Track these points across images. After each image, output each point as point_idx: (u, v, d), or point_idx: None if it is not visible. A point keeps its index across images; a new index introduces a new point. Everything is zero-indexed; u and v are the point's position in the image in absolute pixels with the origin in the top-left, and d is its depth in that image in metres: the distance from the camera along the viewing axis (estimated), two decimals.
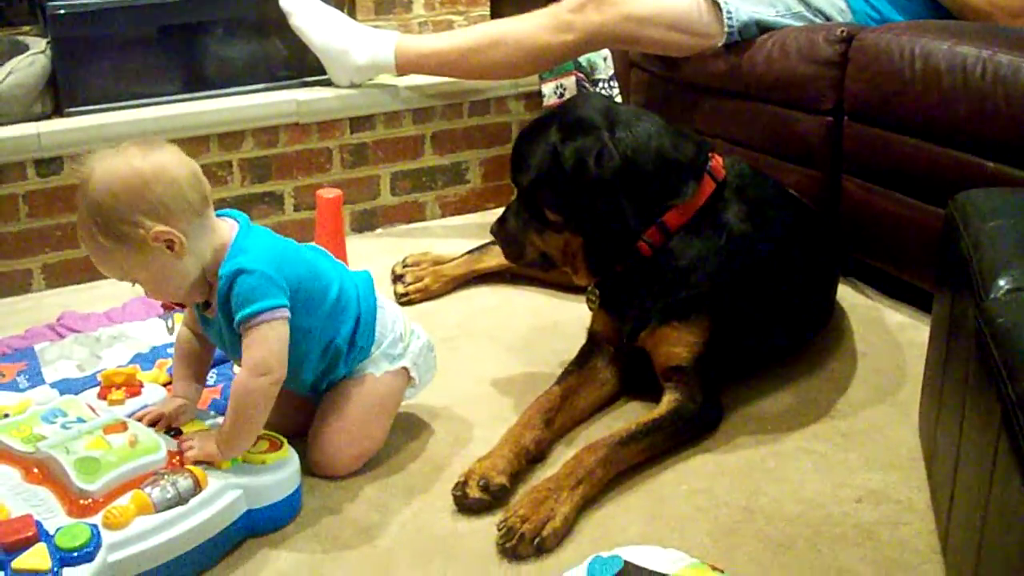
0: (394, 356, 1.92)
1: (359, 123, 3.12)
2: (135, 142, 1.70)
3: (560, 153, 1.99)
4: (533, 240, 2.12)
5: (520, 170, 2.09)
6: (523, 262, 2.20)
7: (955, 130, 2.21)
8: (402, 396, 1.97)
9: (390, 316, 1.95)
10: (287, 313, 1.72)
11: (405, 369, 1.94)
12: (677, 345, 1.99)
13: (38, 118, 2.84)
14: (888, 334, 2.37)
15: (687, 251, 2.01)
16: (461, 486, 1.78)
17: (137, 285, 1.75)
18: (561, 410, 1.99)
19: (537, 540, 1.65)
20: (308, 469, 1.85)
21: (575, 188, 1.98)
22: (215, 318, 1.78)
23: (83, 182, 1.66)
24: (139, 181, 1.64)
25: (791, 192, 2.29)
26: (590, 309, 2.15)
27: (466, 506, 1.77)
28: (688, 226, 2.01)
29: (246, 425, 1.71)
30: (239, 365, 1.76)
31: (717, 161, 2.08)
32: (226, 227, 1.76)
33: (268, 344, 1.70)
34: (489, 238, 2.31)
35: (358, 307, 1.88)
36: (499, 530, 1.68)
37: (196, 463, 1.69)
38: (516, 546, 1.64)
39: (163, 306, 1.93)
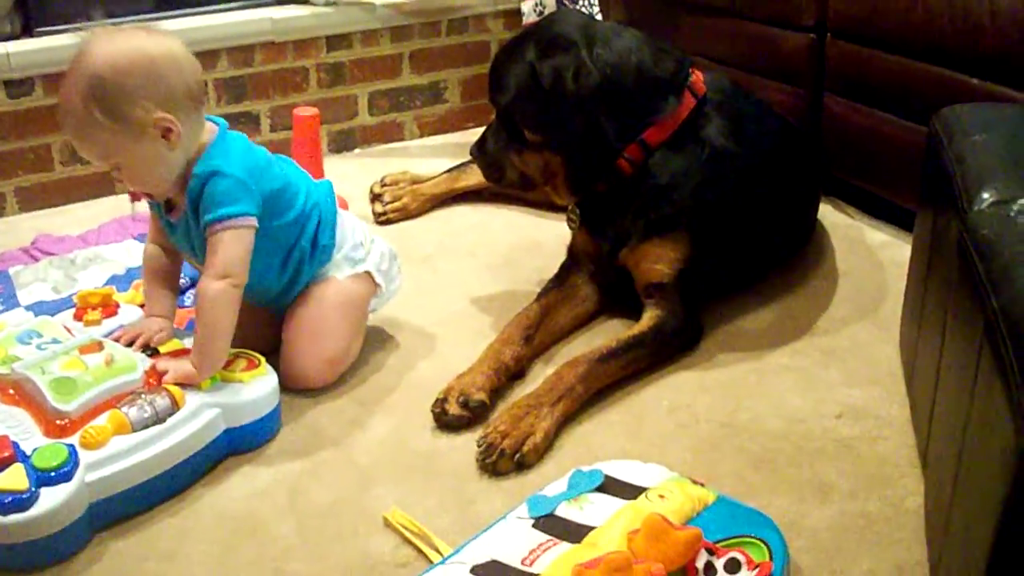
0: (356, 260, 1.92)
1: (336, 42, 3.07)
2: (140, 26, 1.67)
3: (538, 71, 1.96)
4: (513, 161, 2.09)
5: (498, 90, 2.06)
6: (504, 183, 2.17)
7: (939, 47, 2.18)
8: (368, 302, 1.96)
9: (349, 223, 1.95)
10: (254, 222, 1.71)
11: (368, 274, 1.93)
12: (658, 262, 1.98)
13: (7, 38, 2.78)
14: (869, 252, 2.36)
15: (668, 168, 1.98)
16: (440, 403, 1.78)
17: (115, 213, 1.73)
18: (541, 327, 1.98)
19: (517, 456, 1.65)
20: (286, 386, 1.84)
21: (554, 106, 1.95)
22: (180, 220, 1.76)
23: (83, 54, 1.62)
24: (149, 63, 1.62)
25: (772, 108, 2.26)
26: (571, 228, 2.14)
27: (445, 423, 1.76)
28: (669, 143, 1.99)
29: (214, 332, 1.70)
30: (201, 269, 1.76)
31: (698, 76, 2.05)
32: (207, 129, 1.76)
33: (232, 249, 1.69)
34: (468, 157, 2.28)
35: (319, 211, 1.87)
36: (479, 446, 1.68)
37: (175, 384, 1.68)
38: (496, 462, 1.64)
39: (130, 195, 1.89)
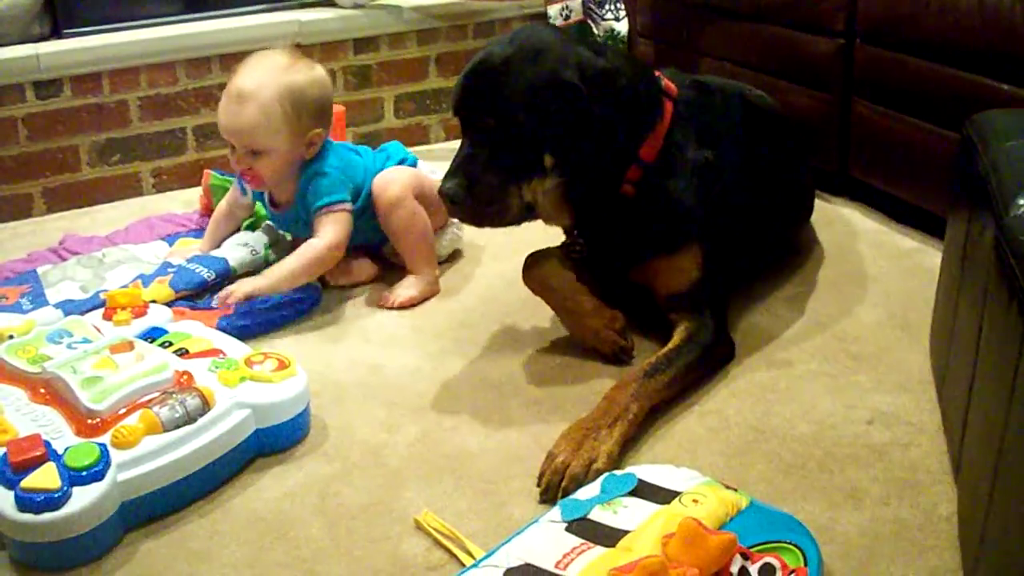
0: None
1: (363, 44, 3.08)
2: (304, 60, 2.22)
3: (572, 84, 1.80)
4: (522, 192, 1.86)
5: (505, 110, 1.80)
6: (507, 221, 1.89)
7: (970, 52, 2.17)
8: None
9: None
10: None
11: None
12: (674, 276, 1.95)
13: (36, 40, 2.79)
14: (897, 258, 2.35)
15: (664, 184, 1.93)
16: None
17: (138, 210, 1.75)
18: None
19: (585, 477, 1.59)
20: (315, 389, 1.85)
21: (584, 121, 1.82)
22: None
23: (290, 67, 2.19)
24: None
25: (729, 89, 2.22)
26: (574, 259, 2.03)
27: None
28: (658, 159, 1.93)
29: (299, 272, 2.19)
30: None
31: (665, 80, 2.01)
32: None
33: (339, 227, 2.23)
34: None
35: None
36: (539, 486, 1.61)
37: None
38: (564, 490, 1.58)
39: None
